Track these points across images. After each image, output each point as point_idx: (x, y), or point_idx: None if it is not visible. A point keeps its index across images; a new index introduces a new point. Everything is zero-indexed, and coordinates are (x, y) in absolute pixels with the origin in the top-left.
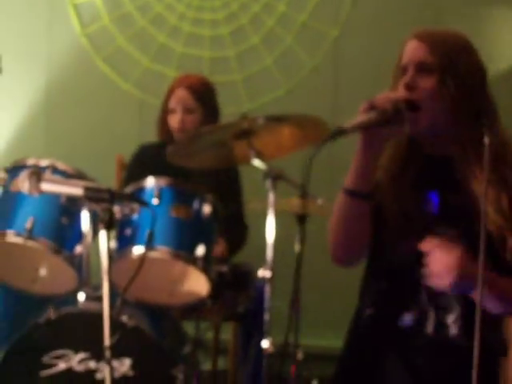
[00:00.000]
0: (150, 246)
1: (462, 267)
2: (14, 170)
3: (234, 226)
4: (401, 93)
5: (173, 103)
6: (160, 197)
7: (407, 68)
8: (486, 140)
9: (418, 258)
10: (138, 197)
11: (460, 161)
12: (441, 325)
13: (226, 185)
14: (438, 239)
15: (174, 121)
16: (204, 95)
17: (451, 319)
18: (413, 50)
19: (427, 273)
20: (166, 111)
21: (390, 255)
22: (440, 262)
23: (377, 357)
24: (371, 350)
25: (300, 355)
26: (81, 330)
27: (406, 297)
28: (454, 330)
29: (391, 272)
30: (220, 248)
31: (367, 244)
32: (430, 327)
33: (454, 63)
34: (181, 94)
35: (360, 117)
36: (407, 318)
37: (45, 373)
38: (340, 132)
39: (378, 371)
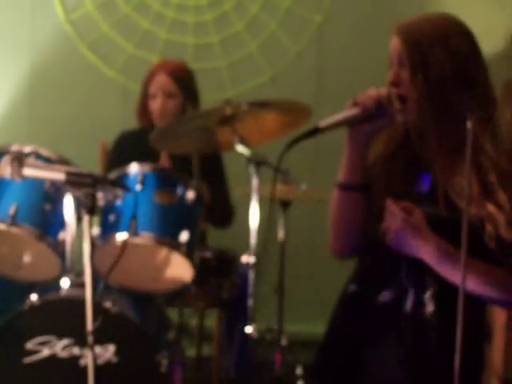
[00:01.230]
0: (133, 231)
1: (413, 226)
2: None
3: (220, 207)
4: (385, 88)
5: (153, 88)
6: (143, 183)
7: (392, 63)
8: (469, 125)
9: None
10: (120, 182)
11: (435, 155)
12: (418, 303)
13: (209, 168)
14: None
15: (155, 106)
16: (184, 80)
17: (428, 296)
18: (392, 45)
19: (384, 228)
20: (146, 96)
21: (374, 232)
22: (396, 218)
23: (356, 334)
24: (351, 326)
25: (284, 341)
26: (64, 317)
27: (386, 274)
28: (430, 307)
29: (374, 249)
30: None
31: (365, 234)
32: (408, 305)
33: (423, 56)
34: (161, 79)
35: (339, 114)
36: (386, 295)
37: (28, 359)
38: (315, 131)
39: (357, 349)
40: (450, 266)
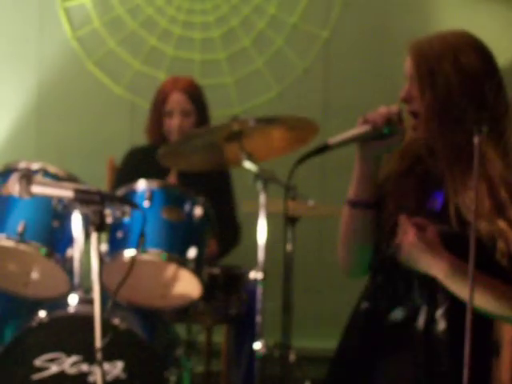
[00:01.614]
0: (141, 248)
1: (427, 242)
2: (4, 174)
3: (227, 227)
4: (395, 106)
5: (169, 106)
6: (151, 199)
7: (407, 80)
8: (476, 140)
9: None
10: (128, 199)
11: (445, 171)
12: (431, 320)
13: (217, 186)
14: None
15: (172, 124)
16: (198, 97)
17: (439, 314)
18: (405, 62)
19: (397, 243)
20: (160, 114)
21: (386, 249)
22: (408, 234)
23: (368, 351)
24: (364, 343)
25: (292, 357)
26: (73, 333)
27: (398, 291)
28: (442, 324)
29: (386, 266)
30: (211, 247)
31: (375, 252)
32: (420, 323)
33: (431, 69)
34: (177, 97)
35: (349, 132)
36: (399, 313)
37: (37, 376)
38: (324, 148)
39: (369, 366)
40: (462, 284)
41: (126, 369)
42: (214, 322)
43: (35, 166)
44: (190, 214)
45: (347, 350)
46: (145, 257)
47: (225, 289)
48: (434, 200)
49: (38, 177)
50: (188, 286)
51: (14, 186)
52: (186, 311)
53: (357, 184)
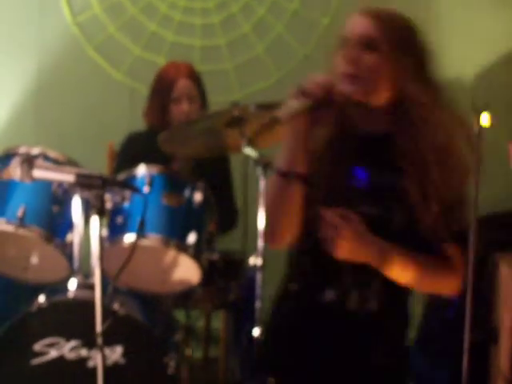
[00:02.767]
0: (141, 233)
1: (353, 232)
2: (5, 158)
3: (226, 211)
4: (342, 67)
5: (177, 93)
6: (151, 184)
7: (349, 41)
8: (476, 126)
9: None
10: (129, 183)
11: (401, 140)
12: (362, 300)
13: (217, 172)
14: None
15: (180, 111)
16: (201, 83)
17: (371, 293)
18: (357, 23)
19: (322, 237)
20: (164, 100)
21: (315, 230)
22: (333, 227)
23: (300, 332)
24: (295, 324)
25: None
26: (72, 318)
27: (328, 273)
28: (373, 304)
29: (315, 248)
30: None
31: (301, 223)
32: (352, 303)
33: (405, 41)
34: (184, 83)
35: (292, 104)
36: (330, 294)
37: (36, 361)
38: (276, 121)
39: (301, 346)
40: (395, 266)
41: (125, 354)
42: (213, 307)
43: (35, 150)
44: (190, 200)
45: (278, 330)
46: (144, 242)
47: (224, 274)
48: (355, 177)
49: (39, 161)
50: (187, 271)
51: (15, 170)
52: (186, 297)
53: (289, 156)
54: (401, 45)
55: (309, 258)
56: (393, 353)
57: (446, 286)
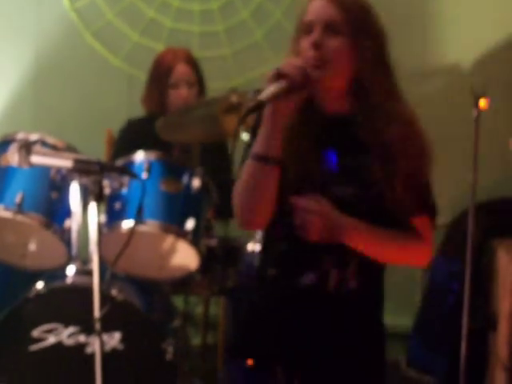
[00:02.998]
0: (139, 219)
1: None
2: (2, 145)
3: (225, 198)
4: (307, 52)
5: (175, 78)
6: (149, 171)
7: (312, 26)
8: (474, 112)
9: None
10: (127, 169)
11: (365, 121)
12: (341, 280)
13: (215, 158)
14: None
15: (178, 96)
16: (199, 68)
17: (350, 273)
18: (319, 8)
19: (298, 225)
20: (162, 86)
21: (289, 216)
22: (309, 212)
23: (279, 315)
24: (275, 308)
25: None
26: (71, 304)
27: (306, 257)
28: (352, 283)
29: (291, 232)
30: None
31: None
32: (331, 284)
33: (365, 22)
34: (182, 68)
35: (271, 87)
36: (309, 277)
37: (34, 347)
38: (260, 106)
39: (280, 329)
40: (365, 241)
41: (123, 340)
42: (211, 293)
43: (33, 136)
44: (189, 186)
45: (256, 314)
46: (143, 228)
47: (222, 261)
48: (326, 160)
49: (37, 147)
50: (186, 257)
51: (13, 156)
52: (184, 283)
53: (267, 139)
54: (362, 28)
55: (286, 244)
56: (371, 331)
57: (416, 257)
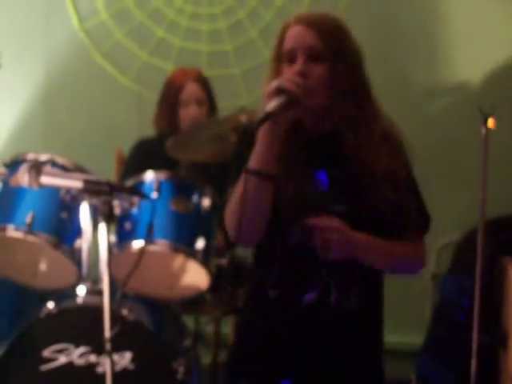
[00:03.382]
0: (149, 239)
1: (340, 234)
2: (13, 165)
3: None
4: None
5: (185, 96)
6: (159, 190)
7: (295, 54)
8: (483, 130)
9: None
10: (137, 189)
11: (349, 135)
12: (343, 297)
13: (225, 177)
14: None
15: (188, 115)
16: (209, 87)
17: (353, 292)
18: (299, 35)
19: (317, 245)
20: (173, 105)
21: (288, 237)
22: (331, 231)
23: (281, 334)
24: (276, 328)
25: None
26: (81, 324)
27: (307, 275)
28: (354, 302)
29: (291, 253)
30: (219, 238)
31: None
32: (333, 299)
33: (342, 47)
34: (192, 87)
35: (273, 101)
36: (310, 295)
37: (45, 367)
38: (270, 116)
39: (282, 348)
40: (370, 254)
41: (134, 359)
42: (222, 313)
43: (43, 157)
44: (198, 205)
45: (257, 334)
46: (153, 248)
47: (233, 280)
48: (318, 181)
49: (47, 167)
50: (196, 277)
51: (23, 177)
52: (194, 302)
53: (264, 155)
54: (340, 53)
55: (285, 264)
56: (370, 350)
57: (412, 266)
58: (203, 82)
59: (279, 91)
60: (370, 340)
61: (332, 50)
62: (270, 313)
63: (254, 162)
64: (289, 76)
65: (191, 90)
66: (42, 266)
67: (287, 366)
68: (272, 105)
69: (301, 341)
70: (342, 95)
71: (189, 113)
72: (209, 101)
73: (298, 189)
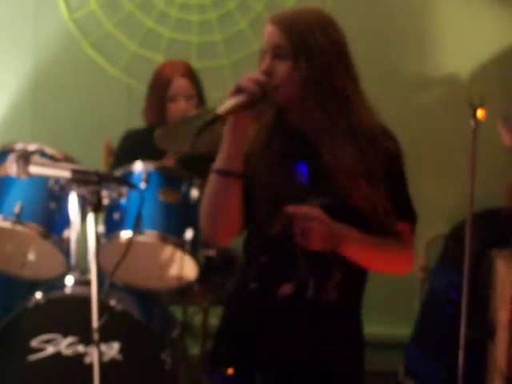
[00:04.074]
0: (137, 229)
1: (324, 227)
2: (1, 155)
3: None
4: (262, 74)
5: (173, 91)
6: (148, 181)
7: (266, 52)
8: (472, 123)
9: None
10: (126, 179)
11: (322, 133)
12: (320, 290)
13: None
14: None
15: (176, 109)
16: (198, 81)
17: (331, 285)
18: (268, 34)
19: (297, 233)
20: (161, 98)
21: (266, 229)
22: (313, 220)
23: (259, 326)
24: (255, 319)
25: None
26: (69, 315)
27: (285, 268)
28: (333, 295)
29: (269, 245)
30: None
31: (240, 221)
32: (310, 293)
33: (307, 44)
34: (181, 82)
35: (231, 101)
36: (287, 288)
37: (33, 357)
38: (217, 119)
39: (261, 340)
40: (356, 248)
41: (121, 350)
42: (210, 303)
43: (32, 147)
44: (187, 196)
45: (237, 325)
46: (141, 238)
47: (221, 270)
48: (298, 172)
49: (36, 157)
50: (184, 267)
51: (11, 167)
52: (182, 293)
53: (227, 154)
54: (305, 49)
55: (265, 256)
56: (348, 343)
57: (401, 264)
58: (191, 76)
59: (239, 90)
60: (348, 333)
61: (293, 45)
62: (249, 305)
63: (218, 161)
64: (250, 75)
65: (179, 85)
66: (31, 256)
67: (262, 359)
68: (224, 106)
69: (276, 334)
70: (312, 90)
71: (177, 107)
72: (197, 94)
73: (278, 180)
